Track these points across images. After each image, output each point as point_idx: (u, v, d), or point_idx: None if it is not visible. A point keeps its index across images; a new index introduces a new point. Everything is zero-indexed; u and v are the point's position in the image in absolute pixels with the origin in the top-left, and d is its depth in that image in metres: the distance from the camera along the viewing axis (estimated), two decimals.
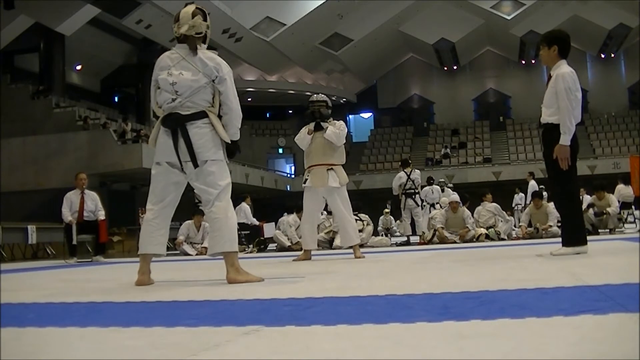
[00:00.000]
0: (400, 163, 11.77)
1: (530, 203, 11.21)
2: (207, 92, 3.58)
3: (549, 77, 4.73)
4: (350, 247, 6.34)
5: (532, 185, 15.19)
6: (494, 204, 10.74)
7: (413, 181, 10.81)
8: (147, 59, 26.61)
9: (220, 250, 3.61)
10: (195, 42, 3.62)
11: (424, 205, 12.16)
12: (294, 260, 6.18)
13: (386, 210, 16.87)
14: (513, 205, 17.89)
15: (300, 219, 11.17)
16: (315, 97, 6.55)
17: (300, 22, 25.22)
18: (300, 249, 10.48)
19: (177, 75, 3.54)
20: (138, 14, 21.20)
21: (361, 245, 6.36)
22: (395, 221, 17.62)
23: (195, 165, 3.52)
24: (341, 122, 6.46)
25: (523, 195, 16.94)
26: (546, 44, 4.71)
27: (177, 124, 3.52)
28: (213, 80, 3.58)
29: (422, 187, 12.33)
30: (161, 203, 3.73)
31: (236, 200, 13.83)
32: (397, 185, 10.97)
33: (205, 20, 3.70)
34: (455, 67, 32.66)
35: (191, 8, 3.70)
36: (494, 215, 10.49)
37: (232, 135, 3.70)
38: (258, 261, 7.13)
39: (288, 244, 10.71)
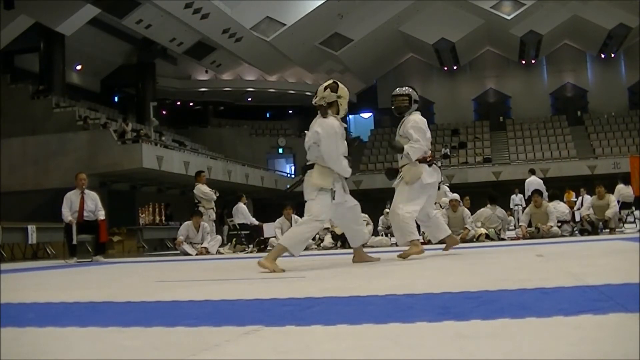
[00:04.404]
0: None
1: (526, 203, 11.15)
2: (316, 149, 4.85)
3: None
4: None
5: (531, 181, 15.01)
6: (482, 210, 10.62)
7: None
8: (147, 59, 26.66)
9: (280, 242, 4.72)
10: (325, 109, 4.87)
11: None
12: (399, 255, 5.32)
13: (387, 210, 16.85)
14: (512, 206, 17.82)
15: (287, 219, 11.11)
16: (397, 90, 5.79)
17: (300, 22, 25.21)
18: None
19: (307, 135, 4.93)
20: (138, 14, 21.20)
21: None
22: None
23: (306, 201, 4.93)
24: (415, 118, 5.64)
25: (522, 196, 16.80)
26: None
27: (302, 172, 4.99)
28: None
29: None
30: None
31: (235, 200, 13.75)
32: None
33: (335, 90, 4.89)
34: (455, 67, 32.63)
35: (327, 82, 4.98)
36: (501, 222, 10.43)
37: (340, 173, 4.94)
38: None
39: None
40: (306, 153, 4.97)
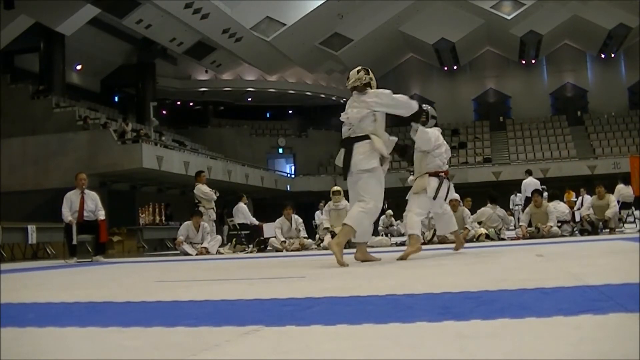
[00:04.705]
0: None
1: (526, 203, 11.15)
2: (369, 120, 5.00)
3: None
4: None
5: (528, 182, 15.02)
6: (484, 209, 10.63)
7: None
8: (147, 59, 26.66)
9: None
10: (363, 88, 5.14)
11: None
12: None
13: (389, 212, 16.82)
14: (512, 206, 17.82)
15: (287, 219, 11.10)
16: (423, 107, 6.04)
17: (300, 22, 25.22)
18: (284, 250, 10.46)
19: (349, 113, 5.10)
20: (138, 14, 21.21)
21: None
22: (396, 220, 17.60)
23: (349, 173, 5.03)
24: (431, 130, 5.93)
25: (522, 196, 16.83)
26: None
27: (348, 144, 5.02)
28: (375, 110, 5.00)
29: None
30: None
31: (235, 200, 13.69)
32: None
33: (368, 73, 5.21)
34: (455, 67, 32.64)
35: (358, 67, 5.30)
36: (502, 221, 10.45)
37: (415, 108, 5.22)
38: (258, 261, 7.11)
39: (280, 247, 10.79)
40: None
